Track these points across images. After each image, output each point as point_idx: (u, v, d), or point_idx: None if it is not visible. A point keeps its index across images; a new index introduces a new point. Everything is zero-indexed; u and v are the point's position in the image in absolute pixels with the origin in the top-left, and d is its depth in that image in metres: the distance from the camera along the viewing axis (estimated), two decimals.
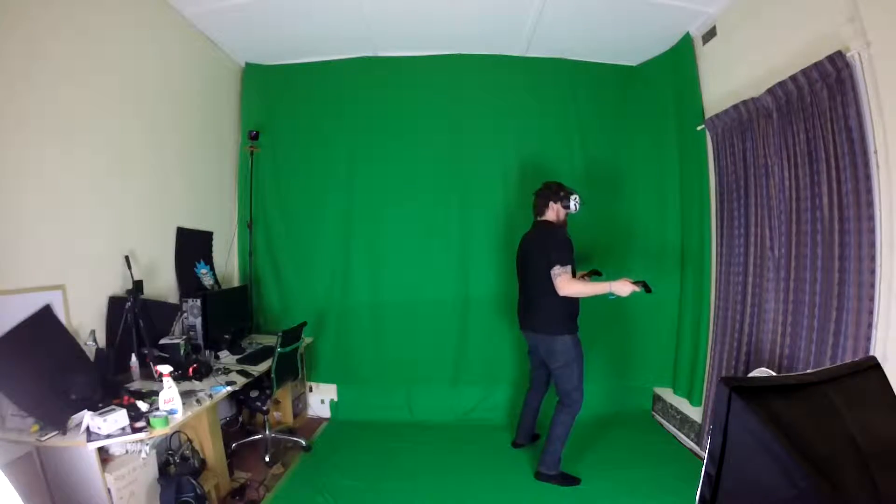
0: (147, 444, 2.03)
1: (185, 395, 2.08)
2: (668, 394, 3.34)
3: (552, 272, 2.38)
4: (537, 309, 2.57)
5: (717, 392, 0.78)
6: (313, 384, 3.56)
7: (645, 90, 3.30)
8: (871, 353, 1.73)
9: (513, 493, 2.53)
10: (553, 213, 2.62)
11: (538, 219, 2.66)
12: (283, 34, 3.06)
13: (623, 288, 2.32)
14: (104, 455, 1.90)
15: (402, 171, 3.34)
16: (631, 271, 3.26)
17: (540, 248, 2.50)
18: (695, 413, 2.98)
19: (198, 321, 2.69)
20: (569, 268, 2.38)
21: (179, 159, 2.85)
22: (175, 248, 2.80)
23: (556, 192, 2.62)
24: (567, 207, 2.63)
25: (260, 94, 3.44)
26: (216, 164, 3.29)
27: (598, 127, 3.36)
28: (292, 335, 2.78)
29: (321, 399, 3.55)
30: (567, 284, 2.35)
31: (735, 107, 2.42)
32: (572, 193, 2.63)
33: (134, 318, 2.23)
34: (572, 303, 2.51)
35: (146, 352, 2.28)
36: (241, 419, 3.22)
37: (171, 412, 1.92)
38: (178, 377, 2.23)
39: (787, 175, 2.15)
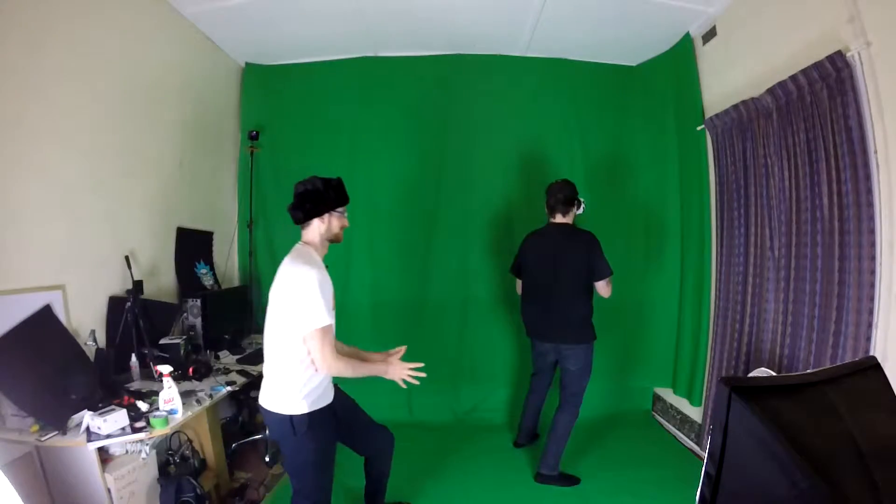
0: (147, 444, 2.03)
1: (185, 395, 2.08)
2: (668, 394, 3.34)
3: (604, 282, 2.40)
4: (568, 319, 2.49)
5: (717, 392, 0.78)
6: None
7: (645, 90, 3.30)
8: (871, 353, 1.74)
9: (513, 492, 2.53)
10: (573, 214, 2.56)
11: (560, 221, 2.52)
12: (283, 34, 3.06)
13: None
14: (104, 455, 1.89)
15: (402, 171, 3.35)
16: (631, 271, 3.27)
17: (580, 256, 2.41)
18: (695, 413, 2.98)
19: (198, 321, 2.69)
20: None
21: (180, 159, 2.85)
22: (175, 248, 2.80)
23: (576, 192, 2.55)
24: (578, 211, 2.59)
25: (260, 94, 3.44)
26: (216, 164, 3.29)
27: (598, 127, 3.36)
28: None
29: None
30: (609, 290, 2.43)
31: (735, 107, 2.42)
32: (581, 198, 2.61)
33: (134, 318, 2.23)
34: (592, 308, 2.52)
35: (146, 352, 2.28)
36: (241, 419, 3.21)
37: (171, 412, 1.92)
38: (178, 377, 2.23)
39: (787, 175, 2.15)
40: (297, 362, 1.66)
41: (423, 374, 1.82)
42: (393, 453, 2.12)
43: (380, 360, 1.91)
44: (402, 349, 1.93)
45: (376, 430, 2.06)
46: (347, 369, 1.69)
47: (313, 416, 1.69)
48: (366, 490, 2.17)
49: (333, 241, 1.84)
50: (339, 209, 1.79)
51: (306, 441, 1.69)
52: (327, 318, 1.64)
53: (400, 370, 1.82)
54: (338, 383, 1.95)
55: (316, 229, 1.76)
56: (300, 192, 1.74)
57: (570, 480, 2.58)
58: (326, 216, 1.75)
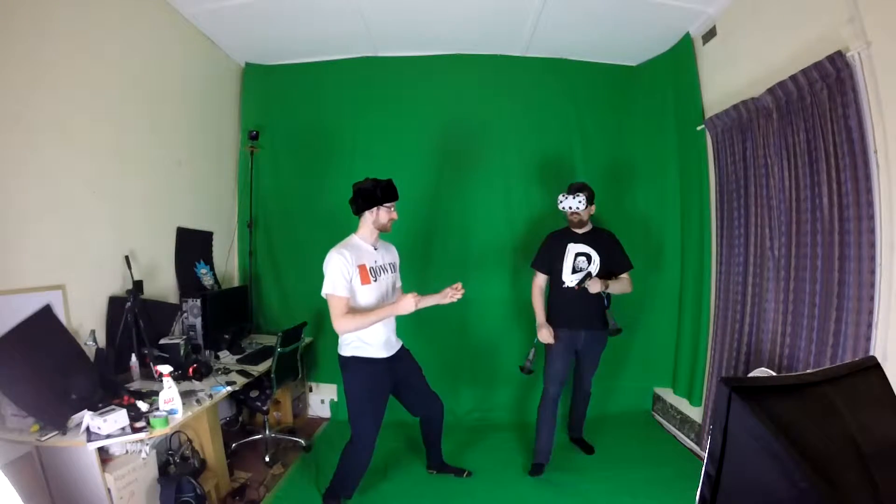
0: (147, 444, 2.03)
1: (185, 395, 2.09)
2: (668, 394, 3.34)
3: (628, 275, 2.61)
4: (602, 308, 2.62)
5: (717, 392, 0.77)
6: (313, 384, 3.56)
7: (645, 90, 3.30)
8: (871, 353, 1.73)
9: (513, 492, 2.53)
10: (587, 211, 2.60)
11: (585, 218, 2.59)
12: (283, 34, 3.06)
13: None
14: (104, 455, 1.90)
15: (402, 170, 3.33)
16: (631, 271, 3.29)
17: (620, 251, 2.63)
18: (695, 413, 2.98)
19: (198, 321, 2.69)
20: None
21: (179, 159, 2.85)
22: (175, 248, 2.80)
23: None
24: (560, 207, 2.63)
25: (260, 94, 3.44)
26: (216, 164, 3.29)
27: (598, 127, 3.36)
28: (292, 335, 2.78)
29: (321, 399, 3.55)
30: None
31: (735, 107, 2.42)
32: None
33: (134, 318, 2.23)
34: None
35: (146, 352, 2.28)
36: (241, 419, 3.22)
37: (171, 412, 1.92)
38: (178, 377, 2.24)
39: (787, 175, 2.15)
40: None
41: (459, 292, 2.18)
42: (442, 422, 2.50)
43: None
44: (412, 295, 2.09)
45: (428, 397, 2.40)
46: (352, 323, 2.02)
47: (356, 360, 2.14)
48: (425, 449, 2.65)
49: (382, 230, 2.18)
50: (387, 204, 2.14)
51: (348, 376, 2.16)
52: (330, 289, 2.01)
53: (407, 302, 2.00)
54: (409, 349, 2.38)
55: (367, 219, 2.15)
56: (355, 190, 2.13)
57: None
58: (375, 209, 2.12)
